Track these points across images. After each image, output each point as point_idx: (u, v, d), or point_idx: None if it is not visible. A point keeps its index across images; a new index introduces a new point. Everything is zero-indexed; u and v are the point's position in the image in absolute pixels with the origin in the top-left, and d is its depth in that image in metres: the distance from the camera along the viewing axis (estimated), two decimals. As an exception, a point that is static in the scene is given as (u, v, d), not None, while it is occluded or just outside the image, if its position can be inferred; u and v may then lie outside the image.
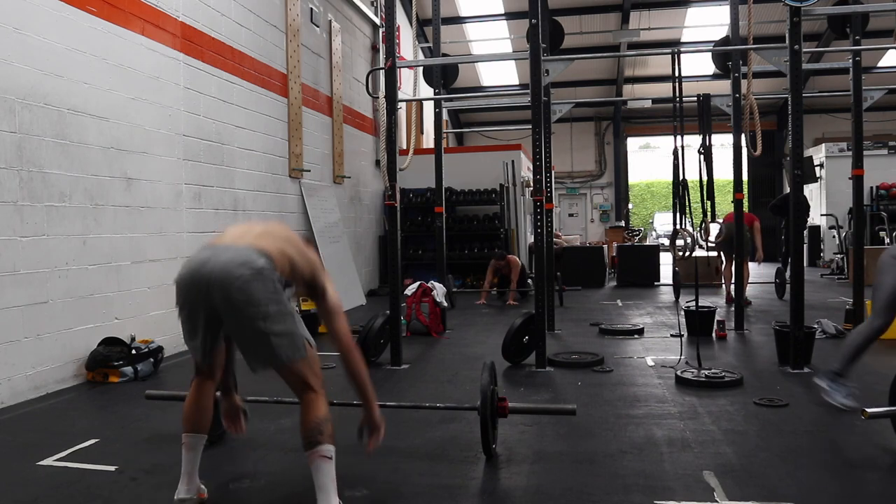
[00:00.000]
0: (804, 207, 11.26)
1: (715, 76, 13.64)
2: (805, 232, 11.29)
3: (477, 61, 18.47)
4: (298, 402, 2.51)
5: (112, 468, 3.14)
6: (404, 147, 11.32)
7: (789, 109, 5.06)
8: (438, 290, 7.00)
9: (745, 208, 8.22)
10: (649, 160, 28.91)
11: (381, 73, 5.68)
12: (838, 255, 12.50)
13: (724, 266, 8.93)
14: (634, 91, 18.70)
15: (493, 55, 16.66)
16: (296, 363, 2.45)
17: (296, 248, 2.63)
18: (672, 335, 6.51)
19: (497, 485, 2.94)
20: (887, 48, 12.14)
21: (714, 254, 9.60)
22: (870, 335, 3.90)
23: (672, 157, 4.89)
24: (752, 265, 9.66)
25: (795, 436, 3.48)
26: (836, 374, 4.00)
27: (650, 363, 5.32)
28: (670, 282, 10.22)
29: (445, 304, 7.14)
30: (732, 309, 7.34)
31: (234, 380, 3.05)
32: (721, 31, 14.37)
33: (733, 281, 7.32)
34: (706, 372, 4.69)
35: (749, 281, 8.98)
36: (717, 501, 2.68)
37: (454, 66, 9.10)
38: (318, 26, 9.19)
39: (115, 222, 5.28)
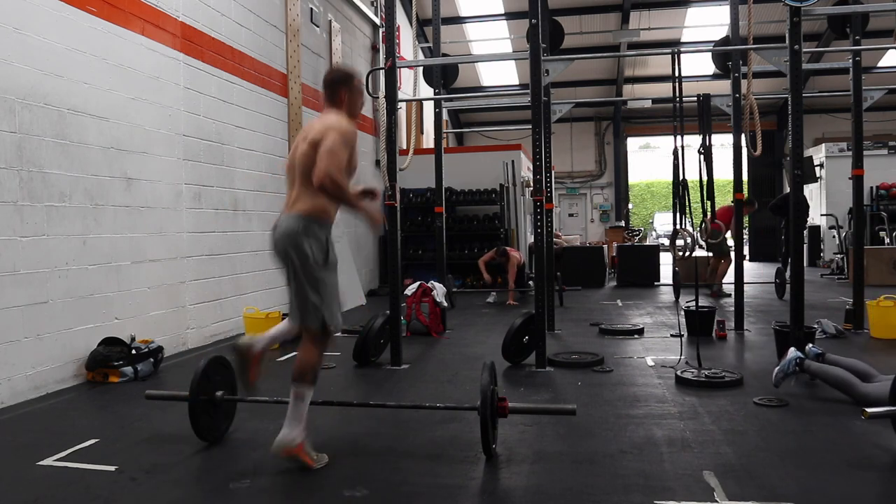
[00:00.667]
0: (804, 207, 11.27)
1: (715, 76, 13.64)
2: (805, 232, 11.27)
3: (477, 61, 18.46)
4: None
5: (112, 468, 3.14)
6: (404, 147, 11.32)
7: (789, 109, 5.06)
8: (438, 290, 7.00)
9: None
10: (649, 160, 28.92)
11: (381, 73, 5.68)
12: (838, 255, 12.50)
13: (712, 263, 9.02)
14: (634, 91, 18.70)
15: (493, 55, 16.66)
16: (310, 329, 3.13)
17: (310, 159, 3.05)
18: (672, 335, 6.51)
19: (497, 485, 2.94)
20: (887, 48, 12.13)
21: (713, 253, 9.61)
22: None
23: (672, 157, 4.89)
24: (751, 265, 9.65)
25: (795, 436, 3.48)
26: (802, 364, 4.23)
27: (650, 363, 5.32)
28: (670, 282, 10.22)
29: (445, 304, 7.13)
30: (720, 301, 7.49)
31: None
32: (721, 31, 14.37)
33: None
34: (706, 372, 4.69)
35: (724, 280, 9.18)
36: (717, 501, 2.69)
37: (454, 66, 9.10)
38: (318, 26, 9.19)
39: (115, 222, 5.28)
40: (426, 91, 9.59)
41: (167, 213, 5.90)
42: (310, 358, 3.10)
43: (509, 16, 15.36)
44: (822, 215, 13.92)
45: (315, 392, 3.15)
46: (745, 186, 7.76)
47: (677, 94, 4.89)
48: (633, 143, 24.34)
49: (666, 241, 12.91)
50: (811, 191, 14.68)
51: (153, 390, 3.81)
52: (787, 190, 7.71)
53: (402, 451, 3.38)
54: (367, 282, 10.78)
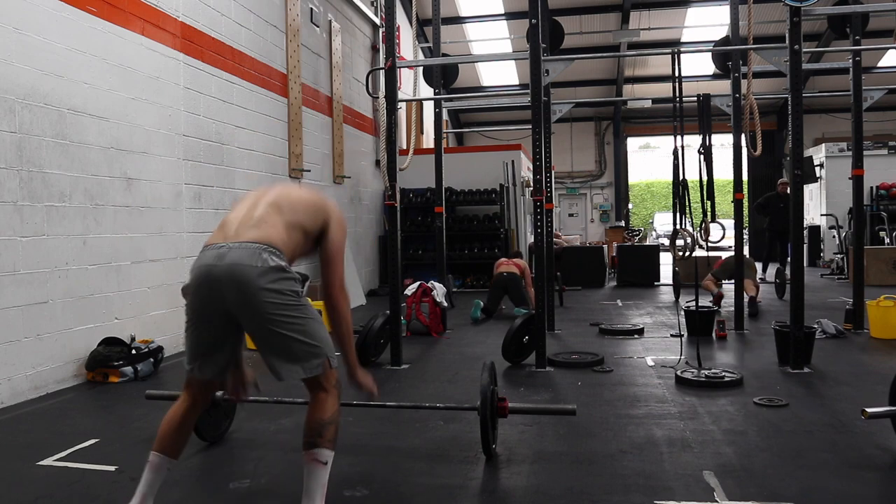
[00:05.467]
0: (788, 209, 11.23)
1: (715, 76, 13.66)
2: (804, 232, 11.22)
3: (477, 61, 18.46)
4: (302, 404, 2.45)
5: (112, 468, 3.14)
6: (404, 147, 11.32)
7: (789, 109, 5.06)
8: (438, 290, 7.00)
9: (745, 208, 8.18)
10: (649, 160, 28.91)
11: (381, 73, 5.68)
12: (838, 255, 12.49)
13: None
14: (634, 91, 18.70)
15: (493, 55, 16.65)
16: (313, 377, 2.41)
17: (303, 207, 2.48)
18: (672, 335, 6.51)
19: (497, 485, 2.94)
20: (887, 48, 12.13)
21: (714, 254, 9.58)
22: None
23: (672, 157, 4.89)
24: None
25: (795, 436, 3.48)
26: None
27: (650, 363, 5.32)
28: (670, 282, 10.22)
29: (445, 304, 7.13)
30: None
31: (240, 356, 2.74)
32: (721, 31, 14.38)
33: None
34: (706, 372, 4.69)
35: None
36: (717, 501, 2.68)
37: (454, 66, 9.10)
38: (318, 26, 9.19)
39: (115, 222, 5.28)
40: (426, 91, 9.59)
41: (167, 213, 5.90)
42: (325, 412, 2.38)
43: (509, 16, 15.36)
44: (822, 215, 13.92)
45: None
46: (745, 186, 7.76)
47: (677, 94, 4.89)
48: (633, 143, 24.35)
49: (666, 241, 12.90)
50: (811, 191, 14.68)
51: (153, 390, 3.81)
52: (787, 190, 7.69)
53: (402, 451, 3.38)
54: (367, 282, 10.78)
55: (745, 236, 9.53)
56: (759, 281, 8.93)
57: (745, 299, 7.83)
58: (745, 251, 8.39)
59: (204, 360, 2.38)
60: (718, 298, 8.15)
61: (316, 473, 2.32)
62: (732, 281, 7.19)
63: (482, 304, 7.98)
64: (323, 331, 2.42)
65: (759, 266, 10.55)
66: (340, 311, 2.54)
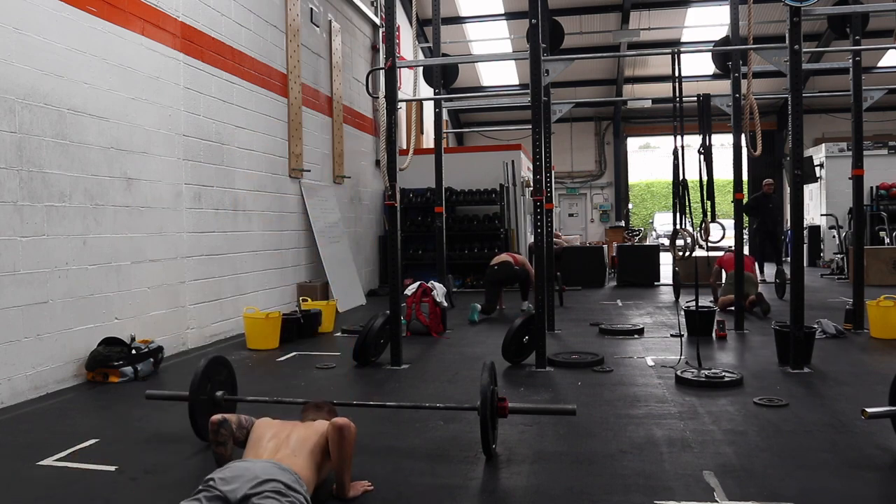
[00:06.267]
0: (777, 207, 11.23)
1: (715, 76, 13.67)
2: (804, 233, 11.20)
3: (477, 61, 18.46)
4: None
5: (112, 468, 3.14)
6: (404, 147, 11.32)
7: (789, 109, 5.06)
8: (438, 290, 7.00)
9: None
10: (649, 160, 28.90)
11: (381, 73, 5.67)
12: (838, 255, 12.49)
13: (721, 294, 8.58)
14: (634, 91, 18.71)
15: (493, 55, 16.66)
16: None
17: (318, 453, 2.71)
18: (672, 335, 6.51)
19: (497, 485, 2.94)
20: (887, 48, 12.14)
21: (714, 254, 9.57)
22: None
23: (672, 157, 4.89)
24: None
25: (795, 436, 3.48)
26: None
27: (650, 363, 5.32)
28: (670, 282, 10.22)
29: (445, 304, 7.13)
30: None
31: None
32: (721, 31, 14.38)
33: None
34: (706, 372, 4.69)
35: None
36: (717, 501, 2.68)
37: (454, 66, 9.11)
38: (318, 26, 9.19)
39: (115, 222, 5.28)
40: (426, 91, 9.60)
41: (167, 213, 5.90)
42: None
43: (509, 16, 15.37)
44: (822, 215, 13.92)
45: (315, 392, 3.15)
46: (745, 186, 7.76)
47: (677, 94, 4.89)
48: (633, 143, 24.36)
49: (666, 241, 12.90)
50: (811, 191, 14.68)
51: (153, 390, 3.81)
52: (787, 190, 7.67)
53: (402, 451, 3.38)
54: (367, 282, 10.78)
55: (745, 236, 9.50)
56: (759, 280, 8.93)
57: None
58: (745, 250, 8.35)
59: None
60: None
61: None
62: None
63: (479, 307, 7.89)
64: None
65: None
66: (346, 437, 2.73)
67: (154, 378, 5.07)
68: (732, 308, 7.07)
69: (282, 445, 2.69)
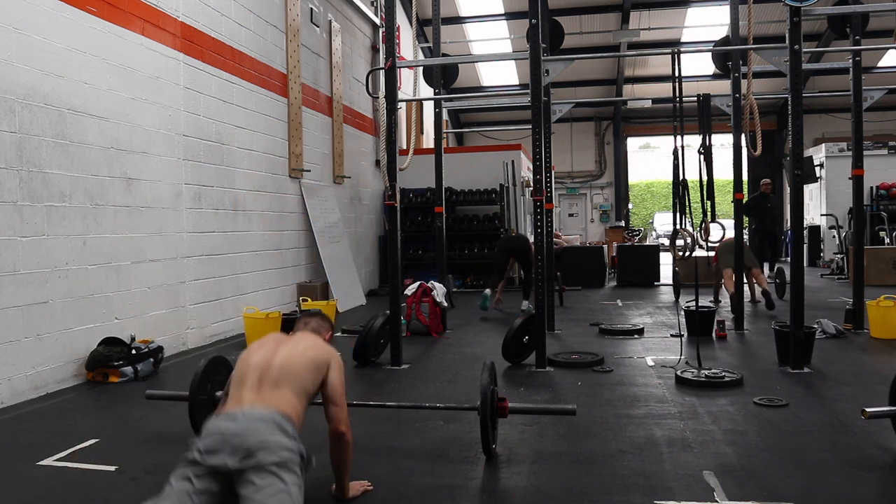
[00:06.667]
0: (776, 207, 11.21)
1: (715, 76, 13.66)
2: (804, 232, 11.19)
3: (477, 61, 18.47)
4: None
5: (112, 468, 3.14)
6: (404, 147, 11.32)
7: (789, 109, 5.06)
8: (438, 290, 6.99)
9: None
10: (649, 160, 28.89)
11: (381, 73, 5.67)
12: (838, 255, 12.49)
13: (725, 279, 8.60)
14: (634, 91, 18.71)
15: (493, 55, 16.66)
16: None
17: (308, 372, 2.61)
18: (672, 335, 6.51)
19: (497, 485, 2.94)
20: (887, 48, 12.13)
21: (713, 254, 9.57)
22: None
23: (672, 157, 4.89)
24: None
25: (795, 436, 3.48)
26: None
27: (650, 363, 5.32)
28: (670, 282, 10.22)
29: (445, 304, 7.13)
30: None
31: None
32: (721, 31, 14.38)
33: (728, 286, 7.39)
34: (706, 372, 4.69)
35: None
36: (717, 501, 2.68)
37: (454, 66, 9.10)
38: (318, 26, 9.19)
39: (115, 222, 5.28)
40: (426, 91, 9.59)
41: (167, 213, 5.90)
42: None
43: (509, 16, 15.37)
44: (822, 215, 13.92)
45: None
46: (745, 186, 7.75)
47: (677, 94, 4.89)
48: (633, 143, 24.36)
49: (666, 241, 12.90)
50: (811, 191, 14.68)
51: (153, 390, 3.81)
52: (787, 190, 7.65)
53: (402, 450, 3.38)
54: (367, 282, 10.78)
55: (746, 236, 9.49)
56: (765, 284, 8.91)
57: (758, 292, 7.84)
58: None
59: None
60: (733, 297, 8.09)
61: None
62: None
63: (488, 293, 8.43)
64: None
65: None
66: (348, 443, 2.67)
67: (154, 378, 5.07)
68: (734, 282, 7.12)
69: (264, 378, 2.53)
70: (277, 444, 2.29)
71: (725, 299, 8.67)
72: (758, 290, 8.52)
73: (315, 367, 2.66)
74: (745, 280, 8.39)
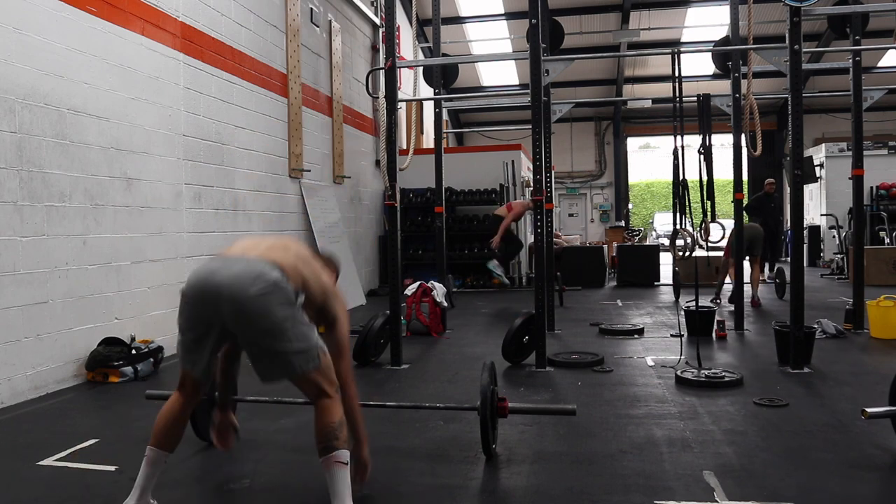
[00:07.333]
0: (778, 207, 11.22)
1: (715, 76, 13.66)
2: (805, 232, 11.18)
3: (477, 61, 18.47)
4: (301, 404, 2.51)
5: (112, 468, 3.14)
6: (404, 147, 11.32)
7: (789, 109, 5.06)
8: (438, 290, 6.99)
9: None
10: (649, 160, 28.91)
11: (381, 73, 5.68)
12: (838, 255, 12.50)
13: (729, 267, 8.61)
14: (634, 91, 18.71)
15: (493, 55, 16.66)
16: (310, 373, 2.39)
17: (310, 268, 2.55)
18: (672, 335, 6.51)
19: (497, 485, 2.94)
20: (887, 48, 12.13)
21: (714, 254, 9.56)
22: None
23: (672, 157, 4.89)
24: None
25: (795, 436, 3.48)
26: None
27: (650, 363, 5.32)
28: (670, 282, 10.22)
29: (445, 304, 7.13)
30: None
31: (233, 396, 2.98)
32: (721, 31, 14.38)
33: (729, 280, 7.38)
34: (706, 372, 4.69)
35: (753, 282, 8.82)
36: (717, 501, 2.68)
37: (454, 66, 9.10)
38: (318, 26, 9.19)
39: (115, 222, 5.28)
40: (426, 91, 9.59)
41: (167, 213, 5.90)
42: (334, 416, 2.40)
43: (509, 16, 15.37)
44: (822, 215, 13.92)
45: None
46: (745, 186, 7.76)
47: (677, 94, 4.89)
48: (633, 143, 24.37)
49: (666, 241, 12.90)
50: (811, 191, 14.68)
51: (153, 390, 3.80)
52: (787, 190, 7.64)
53: (402, 450, 3.38)
54: (367, 282, 10.78)
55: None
56: (759, 279, 8.92)
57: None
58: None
59: (195, 359, 2.46)
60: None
61: (340, 475, 2.36)
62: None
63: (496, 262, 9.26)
64: (313, 334, 2.45)
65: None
66: (354, 396, 2.67)
67: (154, 378, 5.07)
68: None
69: (250, 248, 2.52)
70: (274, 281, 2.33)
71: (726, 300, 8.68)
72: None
73: (318, 275, 2.58)
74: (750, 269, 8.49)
